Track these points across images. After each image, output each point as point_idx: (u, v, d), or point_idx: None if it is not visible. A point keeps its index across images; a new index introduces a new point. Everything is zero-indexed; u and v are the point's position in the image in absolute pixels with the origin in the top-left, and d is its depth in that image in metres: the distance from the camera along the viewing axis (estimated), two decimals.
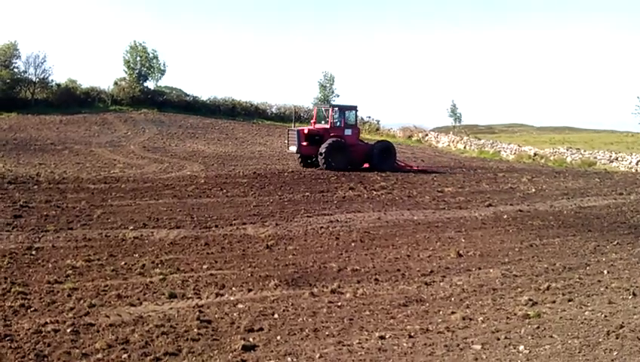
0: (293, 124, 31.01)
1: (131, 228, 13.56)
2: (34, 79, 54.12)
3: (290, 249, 12.30)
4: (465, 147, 45.64)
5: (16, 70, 53.62)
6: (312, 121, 30.26)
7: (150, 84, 59.59)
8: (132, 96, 55.96)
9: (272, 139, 42.79)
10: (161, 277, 9.90)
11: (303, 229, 14.26)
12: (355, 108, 30.29)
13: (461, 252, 12.33)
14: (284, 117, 58.89)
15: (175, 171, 24.96)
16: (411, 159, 34.96)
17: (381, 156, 28.35)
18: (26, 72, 54.31)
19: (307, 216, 15.87)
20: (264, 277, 10.16)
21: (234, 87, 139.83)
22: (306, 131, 28.39)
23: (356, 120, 29.43)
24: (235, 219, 15.13)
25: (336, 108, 28.94)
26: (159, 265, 10.62)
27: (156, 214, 15.27)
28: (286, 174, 24.47)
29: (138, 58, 58.54)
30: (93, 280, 9.66)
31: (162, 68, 59.26)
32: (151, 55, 58.61)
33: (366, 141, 31.07)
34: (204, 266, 10.73)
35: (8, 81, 51.39)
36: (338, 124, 28.52)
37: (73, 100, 53.66)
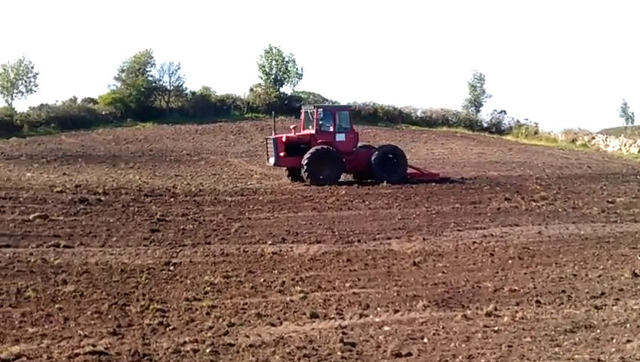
0: (272, 131, 28.15)
1: (270, 242, 14.03)
2: (168, 87, 57.42)
3: (439, 266, 12.15)
4: None
5: (150, 78, 57.18)
6: (291, 127, 28.02)
7: (287, 89, 61.30)
8: (268, 102, 57.79)
9: (418, 146, 42.54)
10: (301, 295, 10.13)
11: (454, 244, 14.04)
12: (348, 108, 28.48)
13: (637, 271, 11.57)
14: (430, 121, 58.29)
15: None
16: (575, 166, 33.24)
17: (382, 164, 25.67)
18: (160, 80, 57.72)
19: (457, 230, 15.62)
20: (411, 297, 10.10)
21: (375, 90, 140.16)
22: (284, 139, 25.98)
23: (351, 122, 26.94)
24: (378, 234, 15.20)
25: (322, 110, 26.66)
26: (299, 283, 10.89)
27: (295, 228, 15.71)
28: (433, 184, 24.24)
29: (274, 62, 60.43)
30: (231, 297, 10.08)
31: (299, 72, 60.75)
32: (287, 59, 60.35)
33: (380, 145, 28.41)
34: (347, 284, 10.86)
35: (143, 89, 54.67)
36: (326, 128, 26.21)
37: (208, 108, 56.20)
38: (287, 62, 60.33)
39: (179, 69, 58.01)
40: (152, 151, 37.33)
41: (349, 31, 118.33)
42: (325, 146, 25.23)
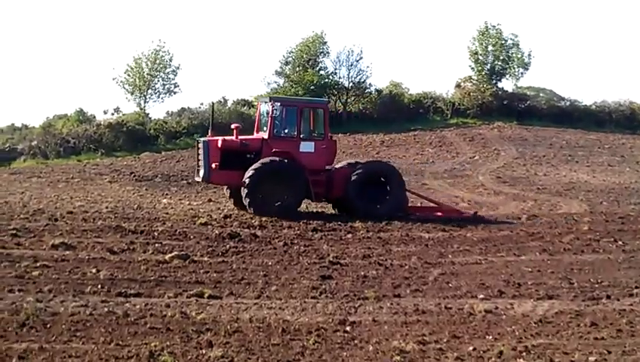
0: (209, 131, 26.43)
1: (482, 296, 13.90)
2: (346, 84, 58.15)
3: None
4: None
5: (323, 73, 58.21)
6: (233, 127, 25.67)
7: (507, 85, 60.30)
8: (481, 103, 57.00)
9: None
10: None
11: None
12: (323, 105, 26.65)
13: None
14: None
15: (544, 212, 24.94)
16: None
17: (362, 188, 24.21)
18: (335, 73, 58.49)
19: None
20: None
21: (630, 85, 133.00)
22: (219, 144, 24.58)
23: (326, 126, 25.23)
24: (637, 287, 14.63)
25: (279, 104, 24.94)
26: (524, 354, 10.67)
27: (517, 277, 15.47)
28: None
29: (490, 48, 59.47)
30: None
31: (525, 60, 59.45)
32: (509, 42, 59.23)
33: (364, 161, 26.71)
34: (591, 358, 10.52)
35: (314, 87, 55.25)
36: (286, 132, 25.03)
37: (398, 112, 56.16)
38: (508, 46, 59.25)
39: (360, 58, 58.29)
40: None
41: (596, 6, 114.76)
42: (281, 158, 23.91)
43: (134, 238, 18.74)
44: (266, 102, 25.61)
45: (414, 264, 16.76)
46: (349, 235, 20.48)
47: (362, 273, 15.83)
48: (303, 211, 25.04)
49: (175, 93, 57.13)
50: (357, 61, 57.77)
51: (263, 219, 22.24)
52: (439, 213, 25.01)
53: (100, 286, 13.61)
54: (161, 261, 16.24)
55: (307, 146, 24.63)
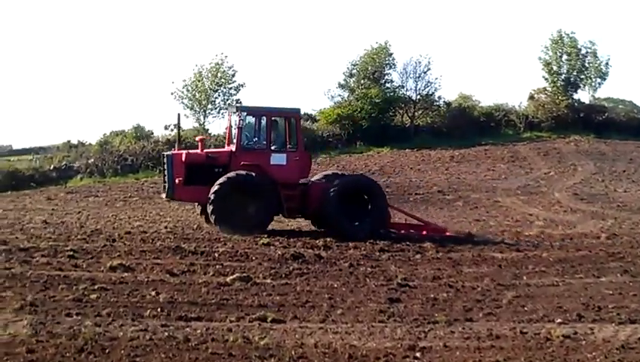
0: (176, 145, 26.01)
1: (559, 320, 13.72)
2: (414, 97, 58.08)
3: None
4: None
5: (389, 86, 58.23)
6: (198, 139, 25.79)
7: (584, 96, 59.66)
8: (555, 115, 56.53)
9: None
10: None
11: None
12: (294, 113, 25.84)
13: None
14: None
15: (624, 231, 24.60)
16: None
17: (341, 204, 23.66)
18: (403, 86, 58.54)
19: None
20: None
21: None
22: (184, 157, 24.45)
23: (300, 137, 25.06)
24: None
25: (246, 114, 24.62)
26: None
27: (597, 300, 15.26)
28: None
29: (564, 57, 58.94)
30: None
31: (603, 69, 58.77)
32: (584, 50, 58.68)
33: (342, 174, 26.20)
34: None
35: (379, 100, 55.75)
36: (255, 143, 24.67)
37: (469, 126, 56.01)
38: (584, 55, 58.66)
39: (428, 70, 58.30)
40: (389, 188, 38.29)
41: None
42: (248, 172, 23.57)
43: (194, 260, 18.92)
44: (234, 113, 25.27)
45: (487, 286, 16.65)
46: (418, 256, 20.43)
47: (432, 295, 15.75)
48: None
49: None
50: (425, 72, 57.80)
51: (328, 239, 22.26)
52: (424, 232, 24.66)
53: (159, 309, 13.73)
54: (222, 283, 16.33)
55: (278, 158, 24.37)
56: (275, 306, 14.55)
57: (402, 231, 25.03)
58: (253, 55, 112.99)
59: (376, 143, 53.40)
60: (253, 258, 19.40)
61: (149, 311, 13.61)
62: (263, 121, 24.72)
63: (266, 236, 22.49)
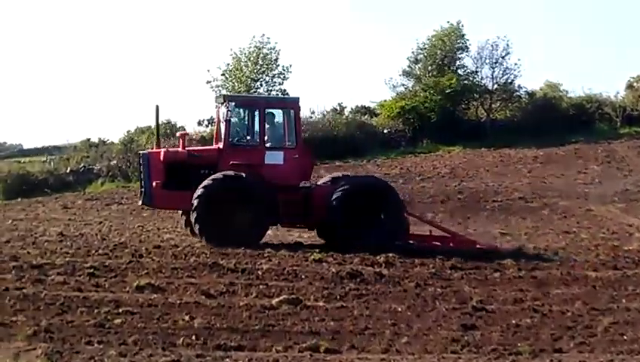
0: (154, 143, 25.59)
1: None
2: (490, 86, 57.62)
3: None
4: None
5: (461, 73, 57.79)
6: (179, 134, 25.72)
7: None
8: None
9: None
10: None
11: None
12: (292, 102, 25.73)
13: None
14: None
15: None
16: None
17: (348, 211, 23.39)
18: (477, 73, 58.08)
19: None
20: None
21: None
22: (162, 157, 24.17)
23: (298, 131, 24.83)
24: None
25: (234, 105, 24.37)
26: None
27: None
28: None
29: None
30: None
31: None
32: None
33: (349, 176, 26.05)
34: None
35: (451, 90, 55.56)
36: (246, 139, 24.83)
37: (555, 121, 55.30)
38: None
39: (507, 54, 57.82)
40: (461, 193, 38.26)
41: None
42: (237, 173, 23.27)
43: (234, 278, 18.99)
44: (221, 103, 25.00)
45: (578, 310, 16.51)
46: (496, 274, 20.37)
47: (514, 321, 15.65)
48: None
49: None
50: (502, 57, 57.32)
51: (390, 254, 22.21)
52: (450, 244, 24.61)
53: (194, 337, 13.77)
54: (266, 306, 16.35)
55: (274, 157, 24.18)
56: (328, 333, 14.54)
57: (423, 243, 24.89)
58: (299, 38, 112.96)
59: (445, 141, 53.17)
60: (303, 276, 19.44)
61: (182, 338, 13.65)
62: (256, 114, 24.77)
63: (317, 251, 22.53)
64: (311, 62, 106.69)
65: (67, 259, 20.83)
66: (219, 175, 23.27)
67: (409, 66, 58.33)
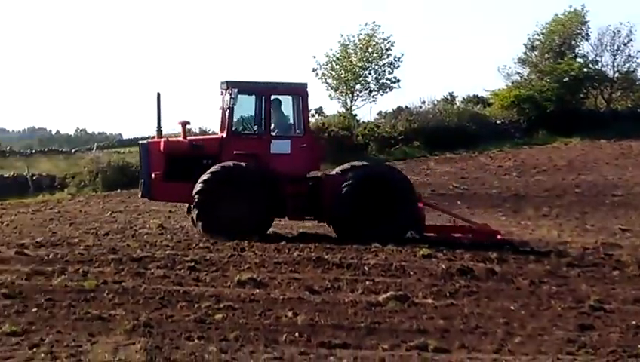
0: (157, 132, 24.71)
1: None
2: (611, 74, 56.61)
3: None
4: None
5: (580, 61, 56.81)
6: (180, 123, 25.01)
7: None
8: None
9: None
10: None
11: None
12: (299, 88, 24.84)
13: None
14: None
15: None
16: None
17: (358, 202, 23.03)
18: (597, 61, 57.13)
19: None
20: None
21: None
22: (162, 147, 23.85)
23: (306, 119, 24.57)
24: None
25: (237, 91, 23.57)
26: None
27: None
28: None
29: None
30: None
31: None
32: None
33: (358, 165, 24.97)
34: None
35: (569, 79, 54.74)
36: (252, 127, 24.33)
37: None
38: None
39: (630, 41, 56.85)
40: (579, 188, 37.71)
41: None
42: (238, 163, 23.02)
43: (339, 274, 18.93)
44: (225, 90, 24.58)
45: None
46: (616, 272, 19.90)
47: (634, 322, 15.21)
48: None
49: (393, 88, 57.01)
50: (625, 44, 56.42)
51: (503, 250, 21.96)
52: (469, 235, 24.34)
53: (297, 334, 13.69)
54: (373, 303, 16.24)
55: (281, 146, 23.91)
56: (437, 332, 14.34)
57: (438, 235, 24.52)
58: (409, 25, 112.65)
59: (563, 132, 52.48)
60: (411, 273, 19.25)
61: (284, 335, 13.59)
62: (261, 100, 24.36)
63: (426, 246, 22.31)
64: (421, 49, 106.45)
65: (167, 252, 21.07)
66: (222, 165, 23.19)
67: (525, 53, 57.74)
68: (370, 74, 56.01)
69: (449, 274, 18.97)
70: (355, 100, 56.50)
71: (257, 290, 16.88)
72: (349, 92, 56.19)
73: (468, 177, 41.84)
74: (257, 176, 23.18)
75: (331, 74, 56.15)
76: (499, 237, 24.32)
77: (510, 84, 56.78)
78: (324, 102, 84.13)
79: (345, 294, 16.91)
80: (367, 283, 17.91)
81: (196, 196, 22.90)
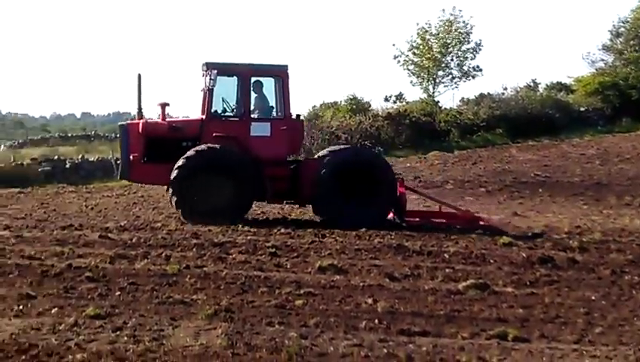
0: (137, 113, 25.25)
1: None
2: None
3: None
4: None
5: None
6: (159, 104, 25.00)
7: None
8: None
9: None
10: None
11: None
12: (279, 70, 24.71)
13: None
14: None
15: None
16: None
17: (337, 186, 23.25)
18: None
19: None
20: None
21: None
22: (141, 128, 24.05)
23: (286, 100, 24.20)
24: None
25: (216, 72, 23.47)
26: None
27: None
28: None
29: None
30: None
31: None
32: None
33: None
34: None
35: None
36: (228, 109, 24.33)
37: None
38: None
39: None
40: None
41: None
42: (214, 146, 23.14)
43: (420, 261, 19.01)
44: (205, 71, 24.54)
45: None
46: None
47: None
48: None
49: (474, 77, 56.91)
50: None
51: (584, 239, 21.86)
52: (452, 221, 24.61)
53: (377, 321, 13.82)
54: (453, 291, 16.33)
55: (260, 129, 23.97)
56: (517, 321, 14.37)
57: (418, 220, 24.65)
58: (492, 11, 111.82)
59: None
60: (492, 261, 19.30)
61: (364, 322, 13.72)
62: (240, 82, 24.60)
63: (505, 235, 22.33)
64: (505, 36, 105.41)
65: (249, 237, 21.30)
66: (200, 147, 23.33)
67: (610, 40, 57.13)
68: (451, 60, 55.93)
69: (530, 263, 18.95)
70: (438, 87, 56.49)
71: (338, 277, 17.04)
72: (430, 78, 56.10)
73: (550, 165, 41.52)
74: (237, 158, 23.39)
75: (412, 61, 56.09)
76: (481, 223, 24.51)
77: (594, 71, 56.24)
78: (404, 88, 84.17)
79: (425, 281, 17.01)
80: (447, 270, 17.98)
81: (174, 175, 23.13)
